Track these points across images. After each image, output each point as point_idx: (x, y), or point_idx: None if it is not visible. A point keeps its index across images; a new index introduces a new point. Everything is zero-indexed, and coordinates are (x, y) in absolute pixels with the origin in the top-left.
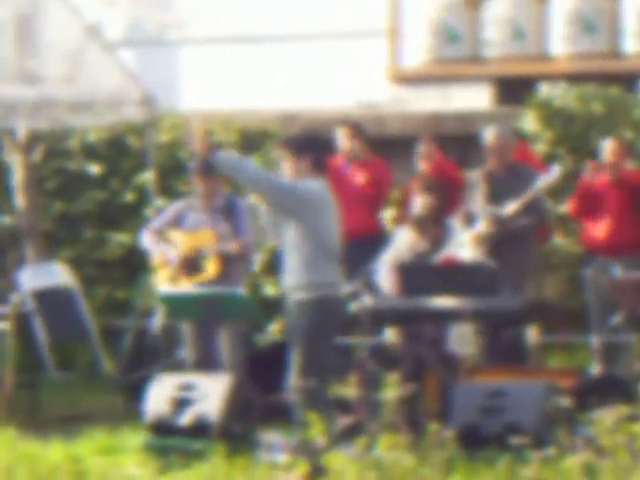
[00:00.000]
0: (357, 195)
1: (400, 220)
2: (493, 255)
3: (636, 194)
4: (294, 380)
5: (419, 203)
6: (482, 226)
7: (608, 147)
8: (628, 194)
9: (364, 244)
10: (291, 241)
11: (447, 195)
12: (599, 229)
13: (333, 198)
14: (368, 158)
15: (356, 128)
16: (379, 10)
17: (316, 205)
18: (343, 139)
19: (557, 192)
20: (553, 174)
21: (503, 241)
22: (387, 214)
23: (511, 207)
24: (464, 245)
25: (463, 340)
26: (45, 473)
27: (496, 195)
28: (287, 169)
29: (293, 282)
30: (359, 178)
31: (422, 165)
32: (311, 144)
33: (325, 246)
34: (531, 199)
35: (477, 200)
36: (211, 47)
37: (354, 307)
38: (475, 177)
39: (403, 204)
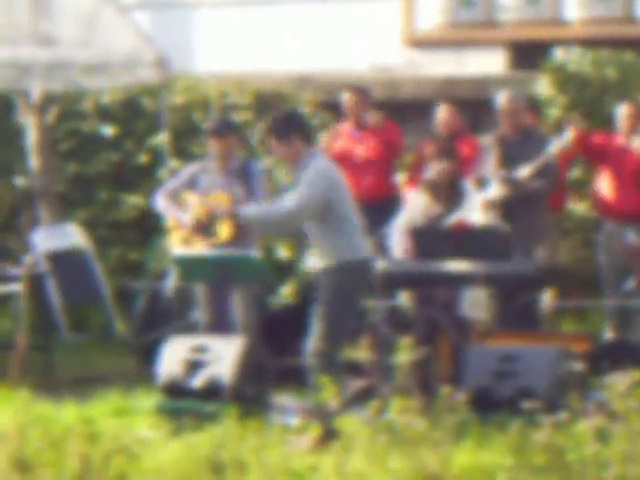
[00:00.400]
0: (368, 160)
1: (413, 184)
2: (506, 219)
3: None
4: (315, 344)
5: (434, 167)
6: (495, 190)
7: (623, 111)
8: None
9: (377, 208)
10: (319, 225)
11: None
12: (612, 193)
13: (338, 168)
14: (378, 122)
15: (360, 92)
16: None
17: (332, 194)
18: (349, 103)
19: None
20: (566, 138)
21: (516, 205)
22: (400, 178)
23: (524, 171)
24: (476, 209)
25: (476, 305)
26: (58, 434)
27: (509, 159)
28: (283, 155)
29: (326, 264)
30: (369, 143)
31: (440, 129)
32: (292, 124)
33: (351, 222)
34: (544, 163)
35: (490, 164)
36: (225, 9)
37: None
38: (488, 141)
39: (416, 168)
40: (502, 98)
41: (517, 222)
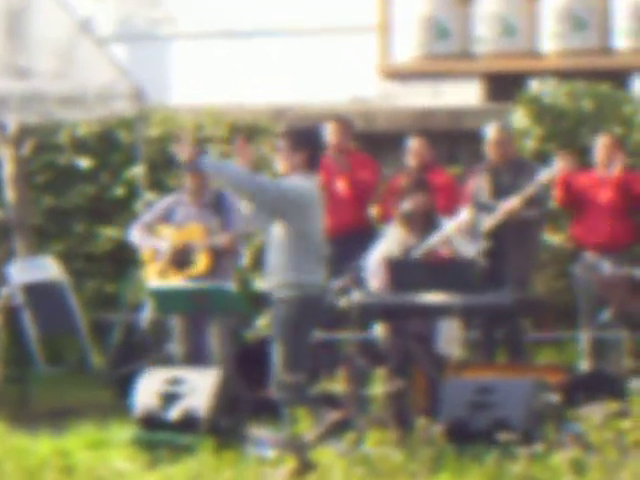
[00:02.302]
0: (345, 193)
1: (386, 216)
2: (495, 250)
3: (627, 192)
4: (276, 376)
5: (408, 200)
6: (485, 219)
7: (600, 143)
8: (619, 191)
9: (353, 240)
10: (277, 240)
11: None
12: (588, 225)
13: (321, 197)
14: (357, 155)
15: (345, 123)
16: (370, 5)
17: (303, 205)
18: (332, 134)
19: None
20: (555, 168)
21: (507, 235)
22: (373, 210)
23: (514, 201)
24: (448, 236)
25: (452, 339)
26: (34, 467)
27: (500, 189)
28: (281, 160)
29: (278, 281)
30: (347, 176)
31: (411, 161)
32: (309, 139)
33: (311, 246)
34: (533, 193)
35: (482, 195)
36: (201, 42)
37: (343, 302)
38: (479, 172)
39: (387, 200)
40: (491, 129)
41: (509, 253)
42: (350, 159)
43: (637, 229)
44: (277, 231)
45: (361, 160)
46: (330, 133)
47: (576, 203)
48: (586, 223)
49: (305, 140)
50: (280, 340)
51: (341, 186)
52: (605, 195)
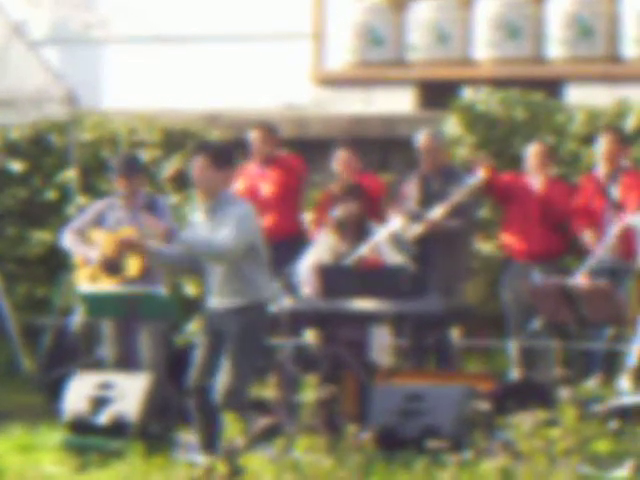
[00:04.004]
0: (273, 197)
1: (320, 222)
2: (422, 258)
3: (551, 206)
4: (225, 384)
5: (340, 207)
6: (410, 229)
7: (532, 151)
8: (544, 205)
9: (283, 246)
10: (229, 267)
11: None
12: (518, 233)
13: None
14: (281, 157)
15: (268, 131)
16: (303, 12)
17: (256, 236)
18: (256, 142)
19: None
20: (478, 179)
21: (435, 243)
22: (307, 216)
23: (438, 211)
24: (380, 244)
25: (382, 348)
26: None
27: (430, 197)
28: (212, 182)
29: (235, 301)
30: (272, 180)
31: (340, 170)
32: (231, 155)
33: (263, 261)
34: (457, 202)
35: (411, 202)
36: (134, 46)
37: (274, 308)
38: (409, 179)
39: (323, 207)
40: (422, 137)
41: (435, 262)
42: (275, 165)
43: (567, 239)
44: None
45: (285, 163)
46: (254, 140)
47: (502, 201)
48: (516, 230)
49: (228, 157)
50: (235, 348)
51: (265, 191)
52: (534, 203)
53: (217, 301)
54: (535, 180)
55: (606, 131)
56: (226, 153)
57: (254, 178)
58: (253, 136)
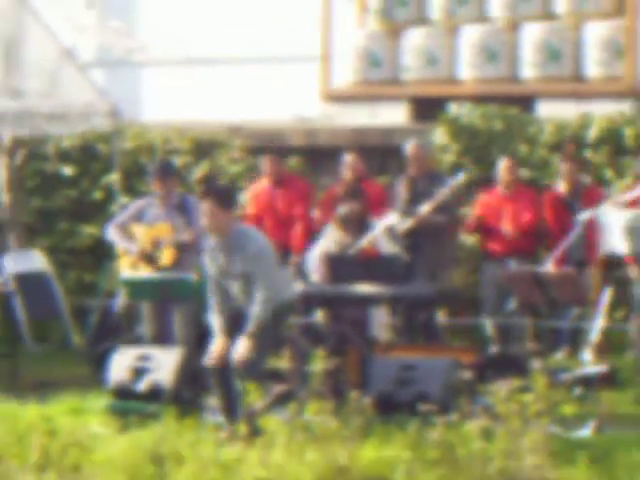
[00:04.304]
0: (285, 213)
1: (325, 217)
2: (412, 248)
3: (527, 206)
4: (244, 355)
5: (344, 206)
6: (401, 223)
7: (502, 165)
8: (520, 206)
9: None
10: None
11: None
12: (494, 238)
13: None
14: (290, 179)
15: (279, 158)
16: (313, 38)
17: (273, 256)
18: (267, 167)
19: (463, 196)
20: (459, 179)
21: (421, 236)
22: (315, 213)
23: (425, 207)
24: (378, 236)
25: (381, 326)
26: (22, 431)
27: (417, 197)
28: (216, 221)
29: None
30: (282, 203)
31: (346, 174)
32: (232, 197)
33: (277, 268)
34: (441, 201)
35: (400, 201)
36: (168, 68)
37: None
38: (399, 182)
39: (327, 204)
40: (410, 146)
41: (423, 251)
42: (285, 186)
43: (539, 239)
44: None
45: (291, 186)
46: (266, 166)
47: (484, 230)
48: (493, 239)
49: (230, 199)
50: (258, 336)
51: (279, 207)
52: (506, 212)
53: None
54: (505, 190)
55: (566, 154)
56: (228, 195)
57: (268, 198)
58: (265, 162)
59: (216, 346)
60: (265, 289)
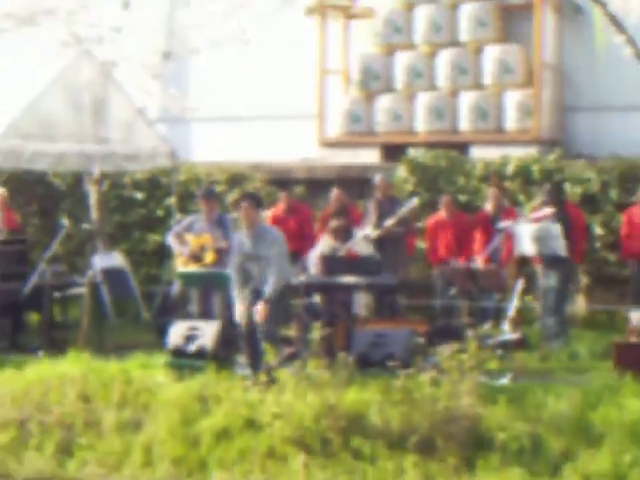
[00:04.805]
0: (295, 232)
1: (322, 229)
2: (380, 250)
3: (464, 227)
4: (260, 315)
5: (334, 221)
6: (373, 232)
7: (442, 199)
8: (458, 227)
9: (301, 253)
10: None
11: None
12: (439, 248)
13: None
14: (298, 207)
15: (289, 194)
16: (313, 102)
17: (284, 246)
18: (283, 198)
19: (419, 214)
20: (412, 203)
21: (386, 242)
22: (316, 226)
23: (389, 222)
24: (359, 243)
25: (361, 306)
26: (106, 380)
27: (382, 215)
28: (252, 217)
29: (276, 285)
30: (292, 223)
31: (334, 200)
32: (261, 202)
33: (288, 257)
34: (400, 218)
35: (371, 217)
36: (210, 122)
37: (295, 282)
38: (370, 203)
39: (323, 220)
40: (377, 178)
41: (388, 253)
42: (294, 213)
43: (472, 249)
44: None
45: (299, 212)
46: (282, 197)
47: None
48: (437, 247)
49: (260, 202)
50: (272, 310)
51: (291, 228)
52: (447, 233)
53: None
54: (445, 219)
55: (492, 184)
56: (259, 200)
57: (284, 220)
58: (281, 196)
59: (239, 311)
60: (276, 272)
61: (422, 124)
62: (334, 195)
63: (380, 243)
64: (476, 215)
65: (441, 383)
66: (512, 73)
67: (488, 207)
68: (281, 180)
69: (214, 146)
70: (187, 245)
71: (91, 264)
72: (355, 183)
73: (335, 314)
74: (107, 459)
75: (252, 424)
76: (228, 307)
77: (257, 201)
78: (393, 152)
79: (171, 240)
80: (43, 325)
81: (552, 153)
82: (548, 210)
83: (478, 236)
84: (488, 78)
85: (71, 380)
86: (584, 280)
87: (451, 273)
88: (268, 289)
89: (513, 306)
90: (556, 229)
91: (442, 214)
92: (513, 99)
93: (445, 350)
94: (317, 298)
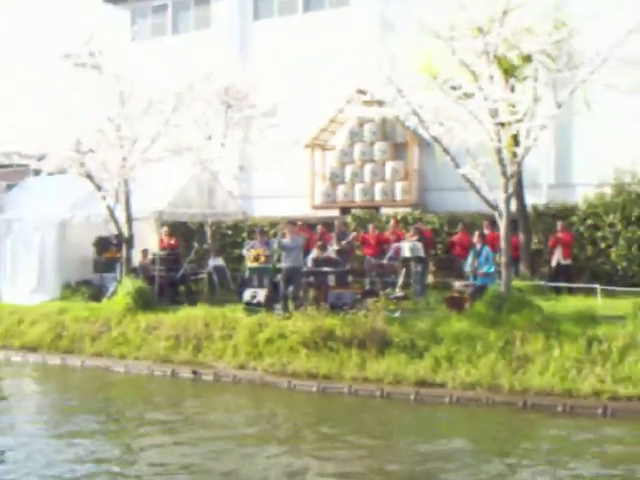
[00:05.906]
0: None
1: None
2: (340, 256)
3: (379, 241)
4: (294, 288)
5: (319, 242)
6: (337, 247)
7: (390, 224)
8: (377, 241)
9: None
10: (295, 254)
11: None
12: (369, 249)
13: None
14: (303, 231)
15: (294, 223)
16: (304, 186)
17: (301, 244)
18: (289, 229)
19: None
20: (353, 234)
21: (342, 252)
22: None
23: (343, 242)
24: (330, 252)
25: (332, 282)
26: (216, 316)
27: (339, 239)
28: (290, 231)
29: (293, 263)
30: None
31: (320, 232)
32: (295, 223)
33: (301, 250)
34: (347, 241)
35: (335, 241)
36: (261, 198)
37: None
38: (334, 234)
39: (315, 241)
40: (336, 222)
41: (343, 257)
42: (300, 233)
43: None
44: (294, 252)
45: (308, 233)
46: (287, 228)
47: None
48: (370, 252)
49: (295, 224)
50: (292, 279)
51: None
52: (370, 245)
53: (285, 264)
54: (370, 236)
55: (393, 224)
56: (294, 223)
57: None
58: (288, 225)
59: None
60: (294, 258)
61: (358, 198)
62: (320, 229)
63: (339, 252)
64: (385, 235)
65: (368, 316)
66: (398, 174)
67: (387, 233)
68: (294, 222)
69: (263, 209)
70: (251, 254)
71: (208, 263)
72: (328, 224)
73: (320, 285)
74: (215, 353)
75: (282, 335)
76: (272, 283)
77: (292, 223)
78: (345, 211)
79: (244, 252)
80: (186, 292)
81: (417, 210)
82: (415, 236)
83: (385, 247)
84: (388, 175)
85: (199, 316)
86: (432, 268)
87: (372, 265)
88: (291, 267)
89: (400, 281)
90: (419, 244)
91: (367, 236)
92: (400, 186)
93: (370, 301)
94: (311, 278)
